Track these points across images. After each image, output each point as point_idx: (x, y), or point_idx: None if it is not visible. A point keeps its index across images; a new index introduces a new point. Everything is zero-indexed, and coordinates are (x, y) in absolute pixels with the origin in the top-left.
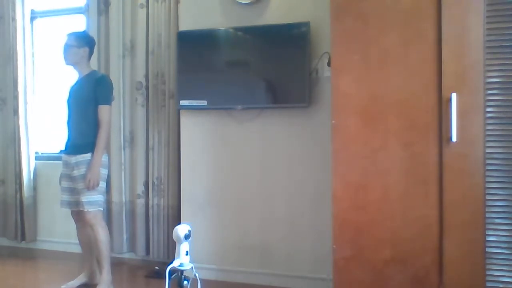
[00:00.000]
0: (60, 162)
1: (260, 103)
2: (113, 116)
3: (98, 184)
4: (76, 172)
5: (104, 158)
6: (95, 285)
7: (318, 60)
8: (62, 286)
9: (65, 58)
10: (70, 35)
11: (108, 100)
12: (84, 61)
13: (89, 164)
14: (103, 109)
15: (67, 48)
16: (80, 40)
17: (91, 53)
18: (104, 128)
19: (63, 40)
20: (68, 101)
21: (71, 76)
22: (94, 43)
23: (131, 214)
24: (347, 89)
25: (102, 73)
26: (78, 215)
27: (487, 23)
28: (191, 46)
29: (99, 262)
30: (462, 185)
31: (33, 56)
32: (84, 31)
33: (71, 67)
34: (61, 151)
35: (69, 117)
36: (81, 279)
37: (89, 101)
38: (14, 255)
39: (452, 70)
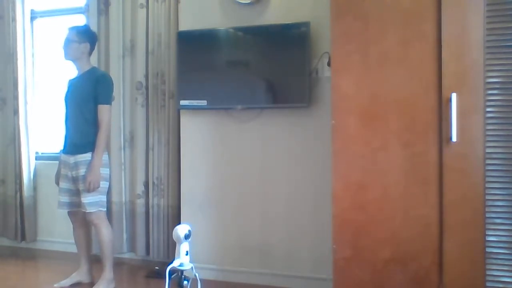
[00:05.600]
0: None
1: (260, 103)
2: (113, 116)
3: (98, 186)
4: (75, 173)
5: (104, 158)
6: (90, 283)
7: (318, 60)
8: (55, 285)
9: (65, 53)
10: (71, 29)
11: (108, 100)
12: (84, 57)
13: (89, 166)
14: (103, 109)
15: (67, 42)
16: (82, 35)
17: (92, 49)
18: (103, 128)
19: (64, 34)
20: (66, 98)
21: (71, 73)
22: (96, 39)
23: (131, 214)
24: (347, 89)
25: (103, 71)
26: (75, 215)
27: (487, 23)
28: (191, 46)
29: (101, 261)
30: (462, 185)
31: (33, 56)
32: (86, 26)
33: (70, 63)
34: (60, 150)
35: (67, 115)
36: (74, 278)
37: (88, 99)
38: (14, 255)
39: (452, 70)
